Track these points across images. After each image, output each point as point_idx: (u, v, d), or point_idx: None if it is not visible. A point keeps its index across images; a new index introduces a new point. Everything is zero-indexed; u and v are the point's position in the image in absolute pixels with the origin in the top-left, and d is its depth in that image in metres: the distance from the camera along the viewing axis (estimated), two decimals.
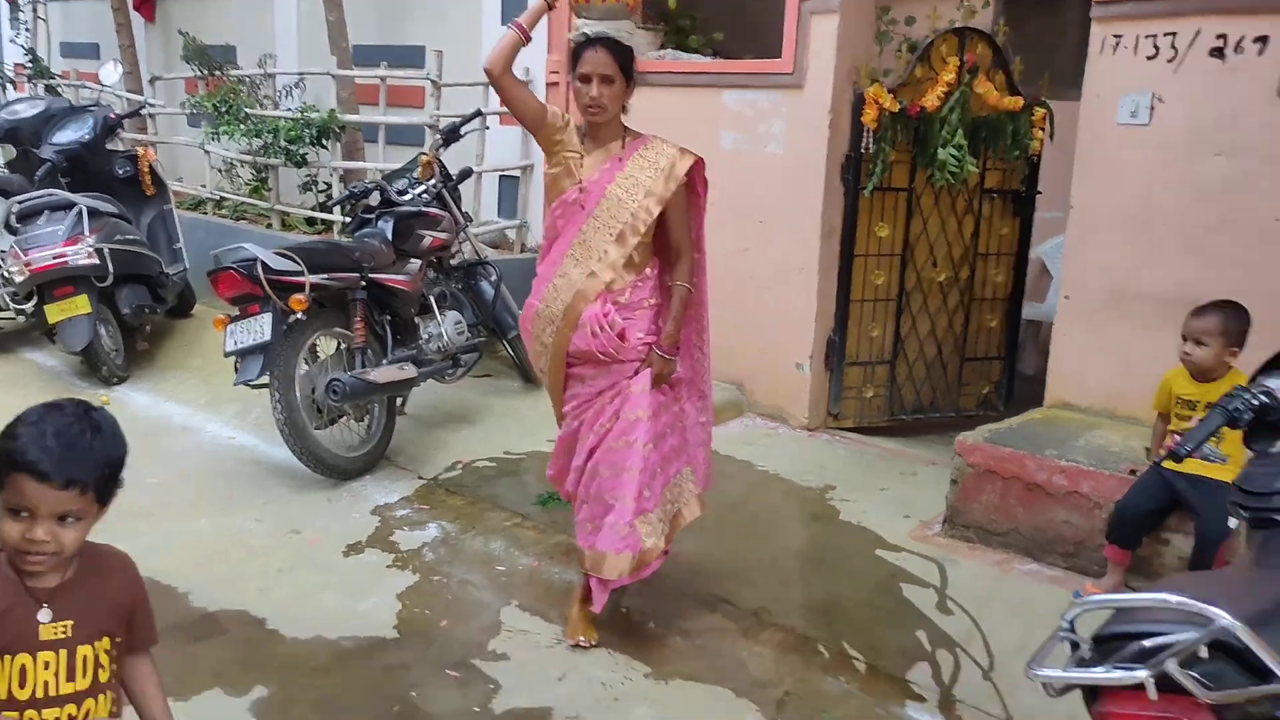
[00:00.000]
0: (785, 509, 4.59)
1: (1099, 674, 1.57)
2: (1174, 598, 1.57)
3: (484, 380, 6.06)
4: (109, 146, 6.81)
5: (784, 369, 5.65)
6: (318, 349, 4.77)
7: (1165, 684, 1.55)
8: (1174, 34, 4.19)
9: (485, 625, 3.57)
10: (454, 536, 4.21)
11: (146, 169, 6.76)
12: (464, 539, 4.19)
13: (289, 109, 7.49)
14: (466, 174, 5.82)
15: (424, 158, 5.48)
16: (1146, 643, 1.57)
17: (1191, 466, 3.40)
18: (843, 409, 5.68)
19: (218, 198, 8.06)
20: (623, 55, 3.23)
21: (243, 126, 7.22)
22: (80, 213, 5.71)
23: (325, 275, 4.52)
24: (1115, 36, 4.35)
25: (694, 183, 3.38)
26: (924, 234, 5.64)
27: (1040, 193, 5.90)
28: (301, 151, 7.07)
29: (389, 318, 5.00)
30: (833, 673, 3.29)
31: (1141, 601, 1.61)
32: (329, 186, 7.36)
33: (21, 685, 1.77)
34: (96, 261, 5.66)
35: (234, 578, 3.84)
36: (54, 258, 5.51)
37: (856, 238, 5.49)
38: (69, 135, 6.70)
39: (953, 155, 5.39)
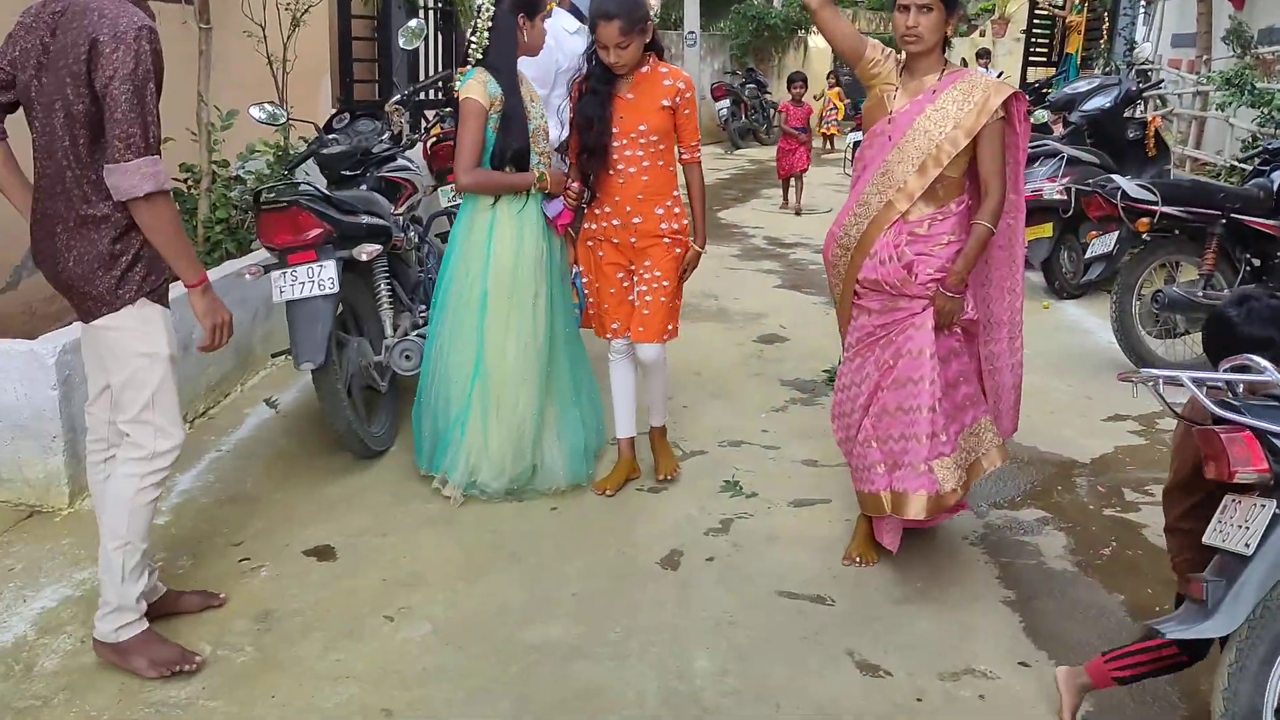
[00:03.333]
0: None
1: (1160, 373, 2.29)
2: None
3: None
4: (1125, 114, 8.23)
5: None
6: (1177, 270, 5.66)
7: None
8: None
9: None
10: None
11: (1151, 134, 8.03)
12: None
13: None
14: None
15: None
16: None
17: None
18: None
19: (1229, 165, 8.80)
20: None
21: (1247, 98, 7.90)
22: (1061, 159, 7.35)
23: (1179, 208, 5.41)
24: None
25: (1012, 119, 3.24)
26: None
27: None
28: None
29: (1250, 257, 5.55)
30: None
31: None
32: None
33: None
34: (1065, 198, 7.22)
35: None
36: (1032, 190, 7.26)
37: None
38: (1094, 103, 8.27)
39: None
